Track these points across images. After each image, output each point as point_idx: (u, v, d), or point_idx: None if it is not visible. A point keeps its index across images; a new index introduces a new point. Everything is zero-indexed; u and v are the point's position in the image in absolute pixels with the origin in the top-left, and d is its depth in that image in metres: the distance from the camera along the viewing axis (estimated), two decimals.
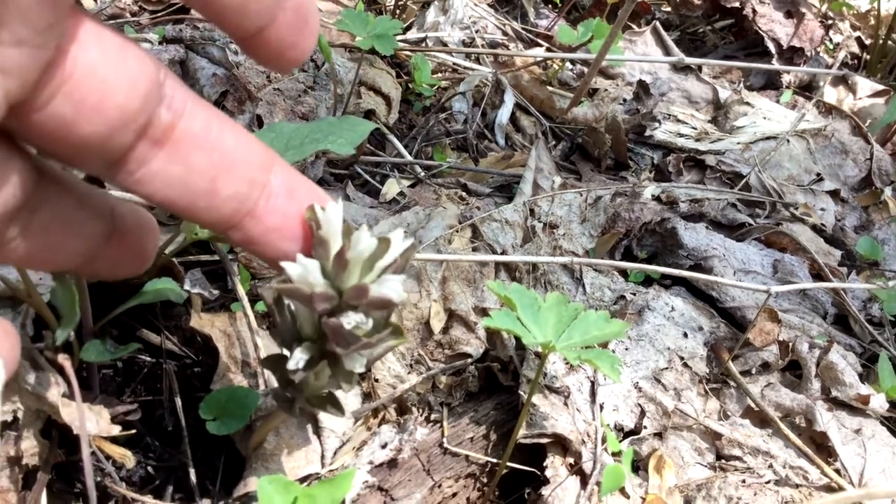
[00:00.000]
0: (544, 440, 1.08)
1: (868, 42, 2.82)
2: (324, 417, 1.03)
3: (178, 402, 1.07)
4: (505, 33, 2.37)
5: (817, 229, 1.72)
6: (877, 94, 2.34)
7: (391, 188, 1.59)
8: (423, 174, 1.68)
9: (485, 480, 1.10)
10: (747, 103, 2.11)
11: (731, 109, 2.09)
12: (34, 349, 0.94)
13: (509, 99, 1.96)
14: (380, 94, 1.75)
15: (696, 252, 1.46)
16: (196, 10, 0.43)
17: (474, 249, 1.36)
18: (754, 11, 2.59)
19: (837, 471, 1.16)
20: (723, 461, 1.16)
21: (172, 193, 0.46)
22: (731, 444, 1.16)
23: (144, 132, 0.43)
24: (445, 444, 1.08)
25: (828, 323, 1.45)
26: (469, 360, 1.19)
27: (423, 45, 2.10)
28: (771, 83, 2.51)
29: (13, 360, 0.46)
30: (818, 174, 1.90)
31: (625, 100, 2.03)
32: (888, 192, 1.95)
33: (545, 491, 1.03)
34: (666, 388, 1.19)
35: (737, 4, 2.62)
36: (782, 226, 1.64)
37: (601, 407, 1.14)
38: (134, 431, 1.00)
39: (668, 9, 2.93)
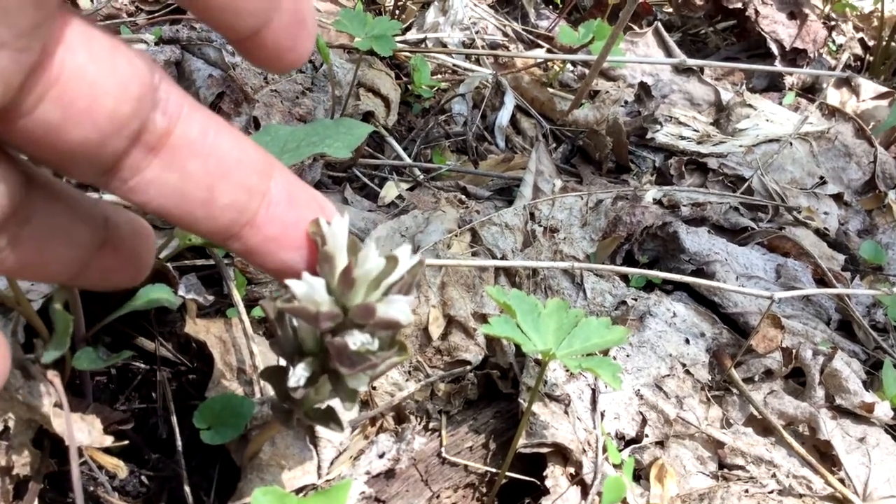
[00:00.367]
0: (544, 449, 1.07)
1: (871, 44, 2.80)
2: (320, 427, 1.02)
3: (173, 410, 1.05)
4: (505, 34, 2.36)
5: (820, 233, 1.71)
6: (880, 97, 2.33)
7: (390, 191, 1.57)
8: (422, 177, 1.66)
9: (484, 490, 1.08)
10: (750, 105, 2.09)
11: (734, 112, 2.07)
12: (25, 358, 0.92)
13: (509, 101, 1.94)
14: (379, 95, 1.73)
15: (699, 256, 1.44)
16: (190, 10, 0.42)
17: (474, 254, 1.34)
18: (757, 13, 2.58)
19: (842, 480, 1.15)
20: (725, 470, 1.14)
21: (168, 202, 0.44)
22: (734, 452, 1.15)
23: (138, 138, 0.41)
24: (444, 454, 1.07)
25: (831, 329, 1.43)
26: (468, 368, 1.18)
27: (423, 46, 2.08)
28: (773, 85, 2.50)
29: (3, 370, 0.44)
30: (821, 177, 1.89)
31: (626, 102, 2.02)
32: (892, 195, 1.93)
33: (545, 501, 1.02)
34: (668, 395, 1.17)
35: (739, 5, 2.61)
36: (785, 230, 1.63)
37: (602, 415, 1.12)
38: (127, 442, 0.99)
39: (670, 10, 2.91)
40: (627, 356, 1.21)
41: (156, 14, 1.76)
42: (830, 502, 1.12)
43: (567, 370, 1.15)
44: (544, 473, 1.05)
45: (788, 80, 2.49)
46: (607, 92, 2.06)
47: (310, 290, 0.52)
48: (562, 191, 1.59)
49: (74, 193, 0.48)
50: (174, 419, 1.05)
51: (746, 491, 1.10)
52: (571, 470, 1.06)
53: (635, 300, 1.32)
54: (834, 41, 2.79)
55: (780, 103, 2.29)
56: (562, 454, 1.07)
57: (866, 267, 1.68)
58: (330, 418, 0.74)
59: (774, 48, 2.54)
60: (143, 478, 1.01)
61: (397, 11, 2.16)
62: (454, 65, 2.07)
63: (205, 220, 0.46)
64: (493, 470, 1.08)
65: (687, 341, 1.26)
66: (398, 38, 2.01)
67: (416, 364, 1.17)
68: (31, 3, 0.34)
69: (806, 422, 1.21)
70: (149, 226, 0.54)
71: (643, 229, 1.48)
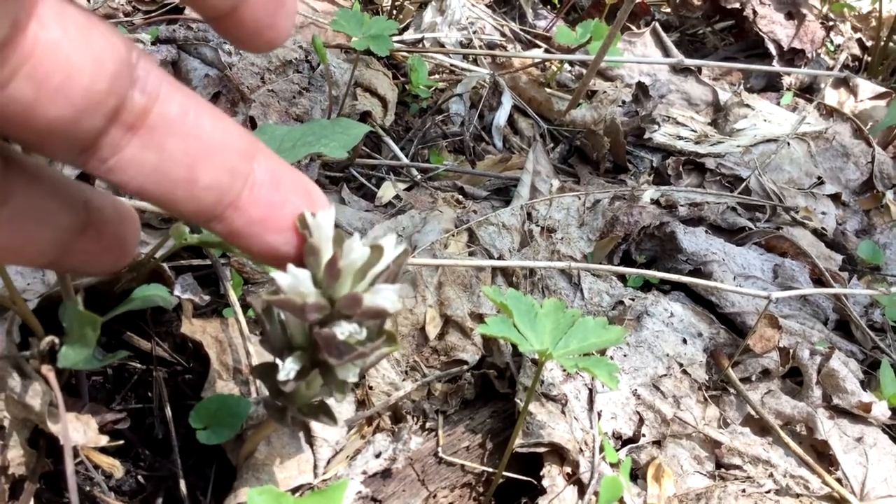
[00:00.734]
0: (541, 449, 1.06)
1: (869, 44, 2.81)
2: (316, 426, 1.02)
3: (169, 409, 1.05)
4: (503, 34, 2.36)
5: (818, 233, 1.71)
6: (878, 97, 2.33)
7: (387, 191, 1.57)
8: (419, 177, 1.66)
9: (481, 490, 1.08)
10: (747, 105, 2.09)
11: (731, 112, 2.07)
12: (20, 357, 0.92)
13: (507, 101, 1.94)
14: (376, 95, 1.73)
15: (696, 256, 1.44)
16: None
17: (471, 254, 1.34)
18: (755, 13, 2.58)
19: (839, 480, 1.15)
20: (722, 470, 1.14)
21: (148, 182, 0.43)
22: (731, 452, 1.14)
23: (116, 116, 0.40)
24: (440, 454, 1.06)
25: (829, 329, 1.43)
26: (465, 367, 1.18)
27: (420, 45, 2.08)
28: (771, 85, 2.50)
29: None
30: (819, 177, 1.89)
31: (624, 102, 2.02)
32: (890, 195, 1.93)
33: (542, 501, 1.01)
34: (665, 395, 1.17)
35: (737, 5, 2.61)
36: (783, 230, 1.63)
37: (599, 415, 1.12)
38: (122, 442, 0.98)
39: (668, 10, 2.91)
40: (625, 356, 1.21)
41: (152, 14, 1.76)
42: (827, 502, 1.12)
43: (564, 370, 1.15)
44: (541, 473, 1.04)
45: (786, 81, 2.49)
46: (605, 92, 2.06)
47: (295, 282, 0.52)
48: (559, 191, 1.58)
49: (55, 175, 0.47)
50: (170, 419, 1.05)
51: (743, 490, 1.10)
52: (568, 469, 1.06)
53: (632, 300, 1.32)
54: (832, 41, 2.79)
55: (778, 103, 2.29)
56: (558, 454, 1.07)
57: (864, 267, 1.68)
58: (323, 412, 0.74)
59: (772, 48, 2.54)
60: (139, 477, 1.01)
61: (394, 11, 2.16)
62: (452, 65, 2.06)
63: (186, 200, 0.45)
64: (490, 470, 1.08)
65: (684, 341, 1.26)
66: (395, 38, 2.01)
67: (412, 364, 1.17)
68: None
69: (803, 421, 1.21)
70: (133, 210, 0.53)
71: (640, 229, 1.48)
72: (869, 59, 2.74)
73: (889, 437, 1.24)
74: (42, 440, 0.95)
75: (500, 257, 1.35)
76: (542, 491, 1.02)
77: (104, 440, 0.92)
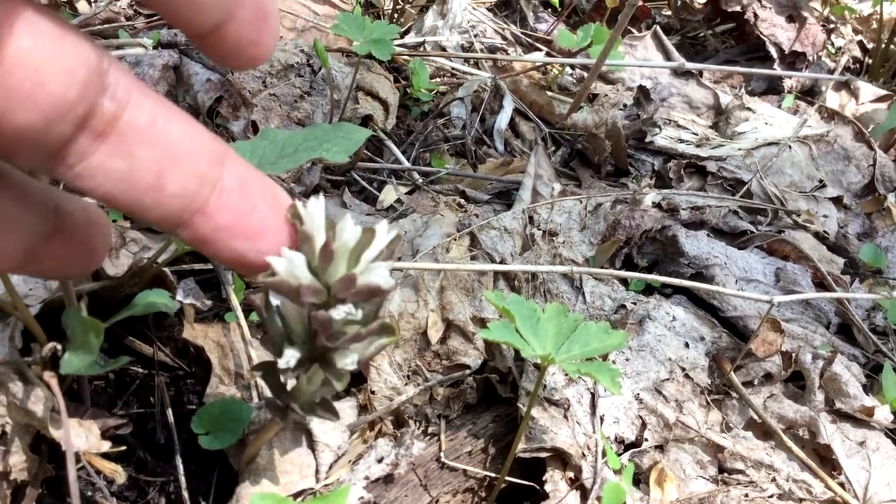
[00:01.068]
0: (543, 454, 1.06)
1: (870, 46, 2.80)
2: (318, 431, 1.01)
3: (171, 414, 1.05)
4: (504, 38, 2.36)
5: (820, 237, 1.71)
6: (879, 99, 2.33)
7: (388, 195, 1.57)
8: (420, 181, 1.66)
9: (483, 495, 1.08)
10: (749, 109, 2.09)
11: (733, 115, 2.07)
12: (23, 363, 0.92)
13: (508, 104, 1.94)
14: (377, 99, 1.73)
15: (698, 260, 1.44)
16: (145, 4, 0.41)
17: (473, 258, 1.34)
18: (756, 16, 2.58)
19: (842, 484, 1.14)
20: (725, 474, 1.14)
21: (115, 189, 0.43)
22: (734, 456, 1.14)
23: (85, 123, 0.40)
24: (443, 459, 1.06)
25: (831, 333, 1.43)
26: (467, 372, 1.17)
27: (422, 49, 2.08)
28: (772, 88, 2.50)
29: None
30: (820, 181, 1.88)
31: (625, 105, 2.02)
32: (891, 198, 1.93)
33: None
34: (667, 399, 1.17)
35: (738, 9, 2.61)
36: (784, 233, 1.63)
37: (601, 419, 1.12)
38: (124, 447, 0.98)
39: (669, 13, 2.91)
40: (627, 360, 1.21)
41: (154, 18, 1.76)
42: None
43: (566, 374, 1.15)
44: (543, 478, 1.04)
45: (787, 84, 2.49)
46: (606, 95, 2.06)
47: (290, 266, 0.52)
48: (561, 194, 1.58)
49: (23, 179, 0.47)
50: (172, 424, 1.05)
51: (746, 495, 1.09)
52: (571, 474, 1.05)
53: (634, 304, 1.32)
54: (833, 44, 2.79)
55: (779, 106, 2.28)
56: (561, 459, 1.07)
57: (866, 270, 1.68)
58: (324, 408, 0.74)
59: (773, 51, 2.54)
60: (141, 483, 1.01)
61: (396, 15, 2.16)
62: (453, 68, 2.06)
63: (153, 207, 0.45)
64: (493, 475, 1.08)
65: (686, 345, 1.26)
66: (397, 42, 2.01)
67: (414, 368, 1.17)
68: None
69: (806, 426, 1.21)
70: (104, 214, 0.53)
71: (642, 233, 1.48)
72: (870, 61, 2.74)
73: (892, 441, 1.24)
74: (44, 446, 0.95)
75: (502, 261, 1.34)
76: (545, 496, 1.02)
77: (106, 446, 0.92)
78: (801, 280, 1.47)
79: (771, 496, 1.11)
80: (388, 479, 1.01)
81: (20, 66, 0.37)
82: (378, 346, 0.64)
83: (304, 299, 0.54)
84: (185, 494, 0.98)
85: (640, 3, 2.69)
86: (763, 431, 1.20)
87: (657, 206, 1.59)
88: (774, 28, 2.57)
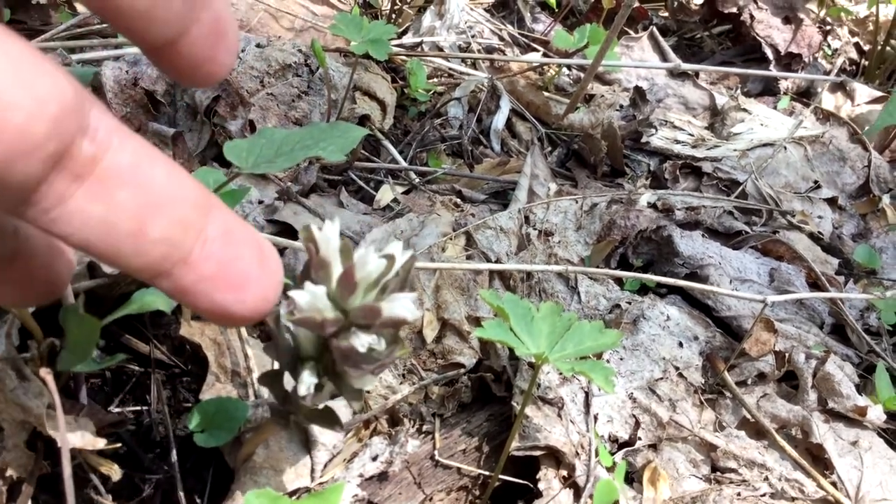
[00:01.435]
0: (537, 452, 1.07)
1: (867, 48, 2.81)
2: (315, 430, 1.02)
3: (167, 412, 1.06)
4: (501, 38, 2.36)
5: (814, 237, 1.71)
6: (875, 101, 2.34)
7: (385, 194, 1.58)
8: (417, 180, 1.67)
9: (477, 493, 1.08)
10: (744, 110, 2.10)
11: (728, 116, 2.08)
12: (19, 359, 0.92)
13: (505, 104, 1.95)
14: (375, 99, 1.74)
15: (692, 260, 1.45)
16: (100, 16, 0.39)
17: (468, 257, 1.34)
18: (752, 17, 2.58)
19: (834, 483, 1.15)
20: (718, 473, 1.14)
21: (93, 235, 0.40)
22: (727, 456, 1.15)
23: (60, 164, 0.38)
24: (437, 457, 1.07)
25: (824, 333, 1.44)
26: (462, 371, 1.18)
27: (419, 50, 2.08)
28: (768, 89, 2.50)
29: None
30: (815, 181, 1.89)
31: (621, 106, 2.02)
32: (886, 199, 1.94)
33: None
34: (661, 398, 1.18)
35: (734, 10, 2.61)
36: (779, 234, 1.63)
37: (595, 418, 1.13)
38: (120, 445, 0.99)
39: (666, 14, 2.92)
40: (621, 359, 1.21)
41: None
42: None
43: (560, 373, 1.15)
44: (537, 476, 1.05)
45: (783, 85, 2.50)
46: (602, 96, 2.06)
47: (313, 300, 0.52)
48: (557, 194, 1.59)
49: None
50: (168, 421, 1.05)
51: (739, 494, 1.10)
52: (564, 473, 1.06)
53: (629, 304, 1.32)
54: (829, 45, 2.80)
55: (775, 107, 2.29)
56: (555, 457, 1.07)
57: (860, 271, 1.69)
58: (329, 419, 0.74)
59: (769, 53, 2.55)
60: (136, 480, 1.01)
61: (393, 16, 2.16)
62: (450, 69, 2.07)
63: (133, 255, 0.42)
64: (487, 473, 1.08)
65: (680, 344, 1.26)
66: (394, 42, 2.02)
67: (410, 367, 1.17)
68: None
69: (798, 425, 1.21)
70: (66, 246, 0.51)
71: (637, 233, 1.48)
72: (866, 63, 2.75)
73: (885, 441, 1.24)
74: (40, 443, 0.96)
75: (498, 261, 1.35)
76: (539, 494, 1.03)
77: (102, 443, 0.92)
78: (795, 280, 1.48)
79: (763, 495, 1.11)
80: (382, 477, 1.02)
81: None
82: (390, 360, 0.64)
83: (327, 332, 0.54)
84: (181, 492, 0.98)
85: (637, 5, 2.70)
86: (756, 431, 1.21)
87: (652, 206, 1.60)
88: (771, 29, 2.58)
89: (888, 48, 2.61)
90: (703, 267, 1.44)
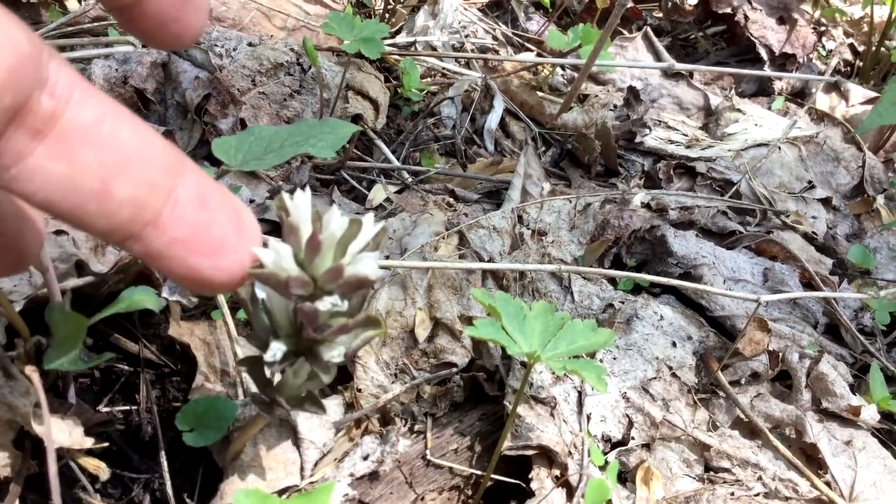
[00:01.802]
0: (530, 452, 1.06)
1: (861, 49, 2.81)
2: (304, 429, 1.01)
3: (156, 411, 1.05)
4: (495, 38, 2.36)
5: (808, 237, 1.71)
6: (869, 102, 2.33)
7: (378, 194, 1.57)
8: (410, 180, 1.66)
9: (469, 493, 1.08)
10: (739, 110, 2.10)
11: (723, 116, 2.07)
12: (6, 358, 0.91)
13: (499, 104, 1.94)
14: (367, 98, 1.73)
15: (686, 260, 1.44)
16: None
17: (461, 257, 1.34)
18: (746, 17, 2.58)
19: (828, 483, 1.14)
20: (711, 473, 1.14)
21: (56, 194, 0.39)
22: (720, 455, 1.14)
23: (18, 119, 0.37)
24: (429, 456, 1.06)
25: (818, 332, 1.43)
26: (454, 370, 1.17)
27: (413, 49, 2.08)
28: (763, 90, 2.50)
29: None
30: (810, 182, 1.89)
31: (615, 106, 2.02)
32: (880, 199, 1.93)
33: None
34: (654, 398, 1.17)
35: (729, 10, 2.61)
36: (773, 234, 1.63)
37: (588, 418, 1.12)
38: (108, 444, 0.98)
39: (660, 15, 2.92)
40: (614, 359, 1.21)
41: None
42: None
43: (553, 372, 1.15)
44: (529, 476, 1.04)
45: (777, 85, 2.50)
46: (596, 96, 2.06)
47: (278, 257, 0.52)
48: (550, 194, 1.58)
49: None
50: (157, 421, 1.04)
51: (732, 494, 1.09)
52: (557, 472, 1.05)
53: (623, 303, 1.32)
54: (824, 46, 2.80)
55: (769, 108, 2.29)
56: (547, 456, 1.07)
57: (854, 271, 1.68)
58: (311, 402, 0.73)
59: (763, 53, 2.55)
60: (125, 479, 1.00)
61: (387, 15, 2.16)
62: (444, 68, 2.06)
63: (98, 215, 0.40)
64: (479, 472, 1.08)
65: (674, 344, 1.26)
66: (388, 42, 2.01)
67: (402, 366, 1.16)
68: None
69: (792, 425, 1.21)
70: (34, 211, 0.50)
71: (631, 233, 1.48)
72: (861, 64, 2.75)
73: (879, 440, 1.24)
74: (27, 442, 0.95)
75: (491, 260, 1.34)
76: (531, 494, 1.02)
77: (89, 442, 0.92)
78: (789, 280, 1.47)
79: (757, 495, 1.11)
80: (373, 477, 1.01)
81: None
82: (364, 338, 0.64)
83: (292, 291, 0.53)
84: (170, 491, 0.98)
85: (631, 5, 2.69)
86: (750, 430, 1.20)
87: (646, 206, 1.59)
88: (765, 30, 2.57)
89: (882, 49, 2.61)
90: (697, 267, 1.43)
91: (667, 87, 2.19)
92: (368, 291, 0.60)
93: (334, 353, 0.62)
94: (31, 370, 0.83)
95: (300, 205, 0.53)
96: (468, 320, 1.21)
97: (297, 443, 1.00)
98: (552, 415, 1.10)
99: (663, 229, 1.48)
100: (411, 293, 1.22)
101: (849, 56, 2.83)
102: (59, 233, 1.06)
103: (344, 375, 1.12)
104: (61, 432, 0.89)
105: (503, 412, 1.12)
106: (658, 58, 2.33)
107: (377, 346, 1.16)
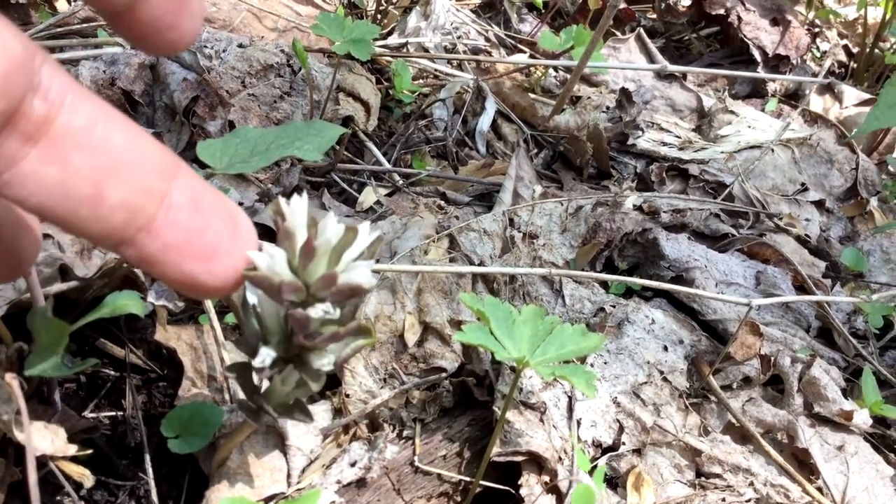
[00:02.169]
0: (519, 458, 1.05)
1: (855, 50, 2.81)
2: (291, 435, 1.00)
3: (141, 417, 1.04)
4: (487, 39, 2.35)
5: (801, 240, 1.70)
6: (863, 103, 2.33)
7: (368, 197, 1.56)
8: (401, 182, 1.65)
9: (458, 500, 1.07)
10: (732, 112, 2.09)
11: (716, 118, 2.07)
12: None
13: (490, 106, 1.93)
14: (358, 100, 1.72)
15: (678, 263, 1.44)
16: None
17: (451, 260, 1.33)
18: (740, 19, 2.58)
19: (820, 489, 1.14)
20: (703, 478, 1.13)
21: (49, 199, 0.39)
22: (712, 461, 1.14)
23: (10, 124, 0.37)
24: (417, 463, 1.05)
25: (811, 336, 1.43)
26: (444, 375, 1.16)
27: (404, 50, 2.07)
28: (756, 91, 2.50)
29: None
30: (803, 184, 1.88)
31: (608, 108, 2.01)
32: (874, 202, 1.93)
33: None
34: (645, 403, 1.16)
35: (722, 12, 2.61)
36: (766, 237, 1.62)
37: (578, 423, 1.11)
38: (91, 452, 0.97)
39: (653, 16, 2.91)
40: (605, 363, 1.20)
41: None
42: None
43: (543, 377, 1.14)
44: (519, 482, 1.03)
45: (771, 87, 2.49)
46: (589, 98, 2.05)
47: (272, 262, 0.51)
48: (542, 196, 1.58)
49: None
50: (143, 427, 1.03)
51: (723, 499, 1.09)
52: (546, 478, 1.04)
53: (614, 307, 1.31)
54: (818, 48, 2.79)
55: (763, 110, 2.28)
56: (537, 462, 1.06)
57: (847, 274, 1.68)
58: (298, 410, 0.73)
59: (757, 55, 2.54)
60: (110, 486, 0.99)
61: (378, 16, 2.15)
62: (435, 70, 2.05)
63: (91, 220, 0.41)
64: (467, 479, 1.07)
65: (665, 348, 1.25)
66: (379, 43, 2.00)
67: (391, 371, 1.15)
68: None
69: (784, 430, 1.20)
70: (32, 218, 0.50)
71: (623, 235, 1.47)
72: (855, 65, 2.75)
73: (871, 445, 1.23)
74: (10, 449, 0.94)
75: (481, 263, 1.34)
76: (520, 500, 1.01)
77: (73, 449, 0.90)
78: (782, 283, 1.46)
79: (748, 500, 1.10)
80: (360, 484, 1.00)
81: None
82: (354, 347, 0.63)
83: (284, 297, 0.53)
84: (155, 498, 0.96)
85: (624, 6, 2.69)
86: (741, 435, 1.19)
87: (638, 208, 1.58)
88: (758, 31, 2.57)
89: (877, 51, 2.61)
90: (689, 270, 1.42)
91: (660, 88, 2.19)
92: (361, 300, 0.59)
93: (324, 362, 0.61)
94: (10, 377, 0.82)
95: (296, 210, 0.52)
96: (458, 325, 1.21)
97: (283, 449, 0.99)
98: (542, 420, 1.09)
99: (655, 232, 1.48)
100: (401, 297, 1.21)
101: (843, 57, 2.82)
102: (44, 236, 1.04)
103: (332, 380, 1.11)
104: (43, 439, 0.88)
105: (493, 418, 1.11)
106: (651, 59, 2.33)
107: (366, 351, 1.15)
